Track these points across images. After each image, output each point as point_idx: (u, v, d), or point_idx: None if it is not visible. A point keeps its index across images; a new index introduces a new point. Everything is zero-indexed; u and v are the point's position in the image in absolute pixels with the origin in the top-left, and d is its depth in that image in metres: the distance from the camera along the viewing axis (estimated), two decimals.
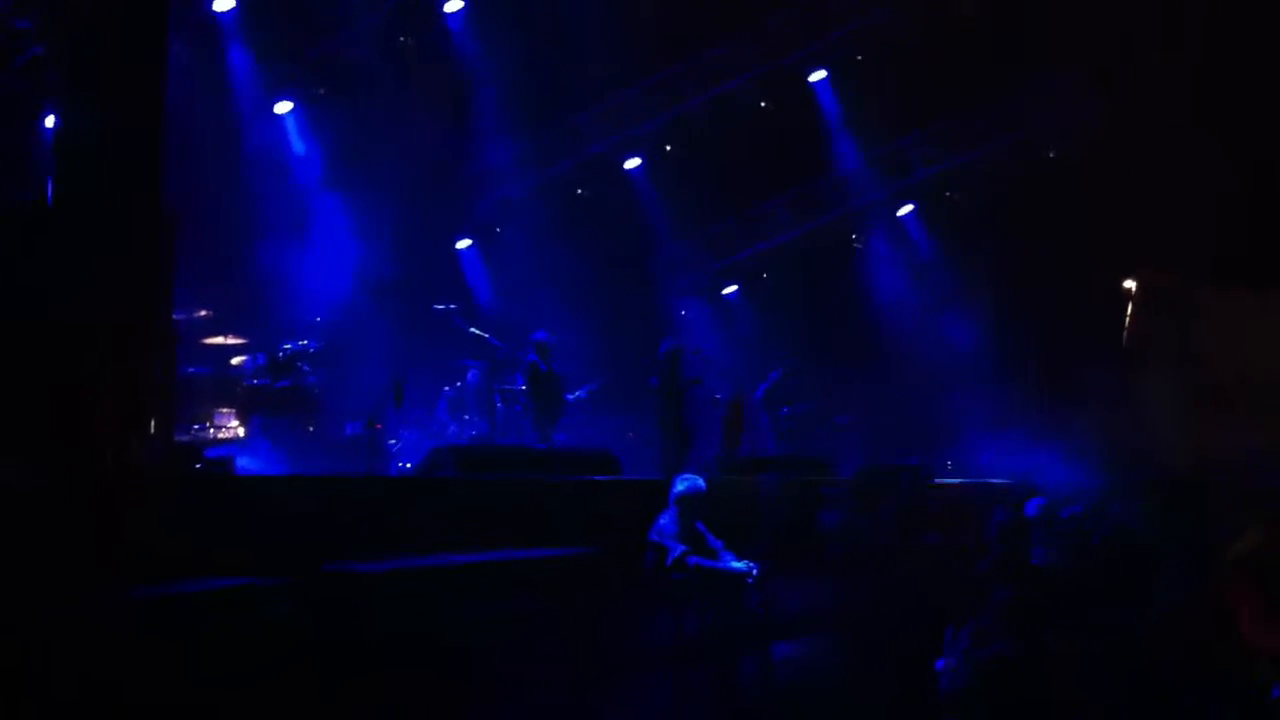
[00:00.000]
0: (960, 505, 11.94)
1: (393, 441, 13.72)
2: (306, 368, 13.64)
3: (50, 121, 11.08)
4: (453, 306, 14.52)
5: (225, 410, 13.49)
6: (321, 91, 15.72)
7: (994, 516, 8.60)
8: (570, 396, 14.39)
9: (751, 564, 8.63)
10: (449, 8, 15.83)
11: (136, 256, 7.87)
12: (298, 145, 15.75)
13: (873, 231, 20.13)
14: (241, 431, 13.35)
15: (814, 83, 17.99)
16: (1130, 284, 19.90)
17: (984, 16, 15.77)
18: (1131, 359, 18.31)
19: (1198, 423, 14.67)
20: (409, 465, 13.11)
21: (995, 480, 14.56)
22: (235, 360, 14.08)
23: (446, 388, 14.71)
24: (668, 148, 18.47)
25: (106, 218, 7.77)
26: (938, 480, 13.90)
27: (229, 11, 14.54)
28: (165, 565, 6.57)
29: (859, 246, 20.38)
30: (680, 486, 8.91)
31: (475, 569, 7.79)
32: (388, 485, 10.39)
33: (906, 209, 19.94)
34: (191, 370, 13.19)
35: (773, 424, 16.67)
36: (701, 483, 8.97)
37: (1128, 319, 19.67)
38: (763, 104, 17.94)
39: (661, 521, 8.78)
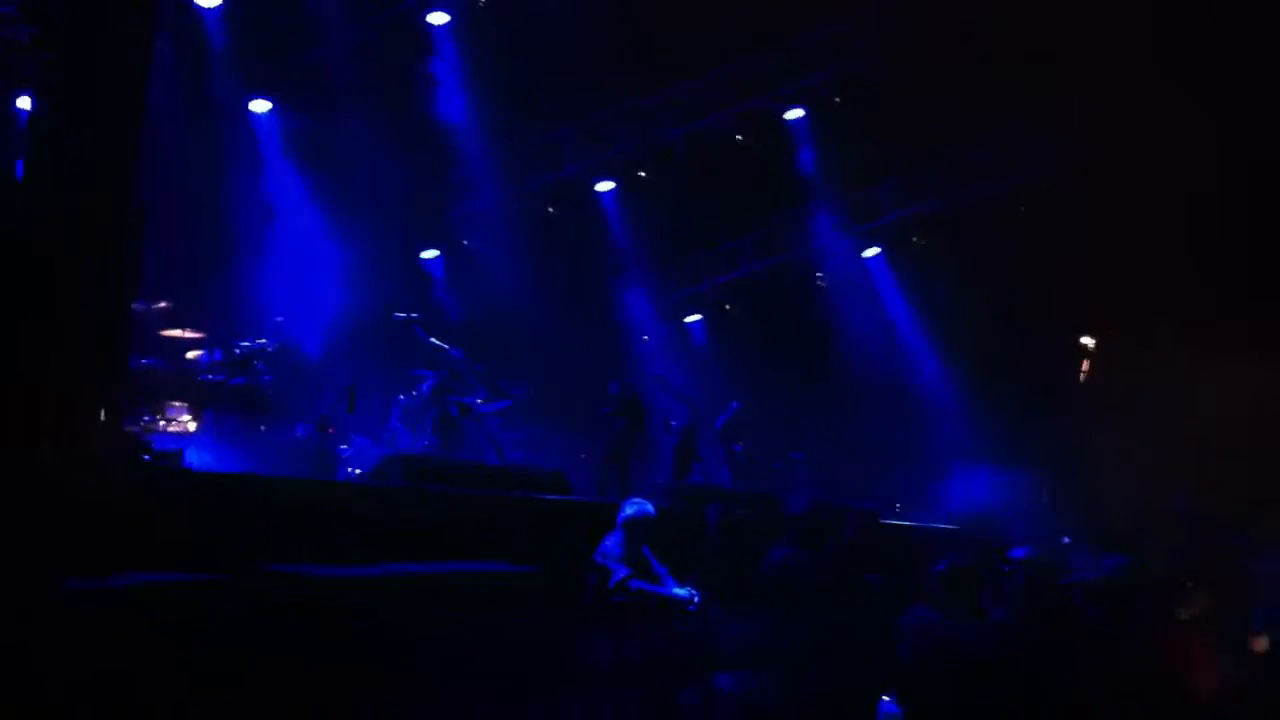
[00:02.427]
0: (906, 549, 12.02)
1: (344, 447, 13.65)
2: (262, 366, 13.55)
3: (25, 102, 11.00)
4: (414, 315, 14.45)
5: (178, 404, 13.37)
6: (299, 96, 15.71)
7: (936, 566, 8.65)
8: (485, 406, 14.42)
9: (694, 591, 8.67)
10: (433, 19, 15.84)
11: (102, 246, 7.82)
12: (271, 146, 15.71)
13: (838, 270, 20.24)
14: (193, 426, 13.23)
15: (790, 121, 18.11)
16: (1088, 340, 20.18)
17: (959, 70, 15.95)
18: (1086, 412, 18.52)
19: (1146, 479, 14.85)
20: (358, 471, 13.05)
21: (945, 526, 14.69)
22: (191, 354, 13.96)
23: (401, 396, 14.64)
24: (641, 174, 18.55)
25: (75, 205, 7.71)
26: (886, 521, 13.96)
27: (213, 9, 14.50)
28: (108, 556, 6.52)
29: (823, 284, 20.50)
30: (629, 510, 8.94)
31: (417, 579, 7.78)
32: (335, 490, 10.33)
33: (873, 251, 20.09)
34: (146, 361, 13.08)
35: (728, 456, 16.72)
36: (650, 508, 9.01)
37: (1083, 374, 19.93)
38: (738, 138, 18.05)
39: (607, 544, 8.81)
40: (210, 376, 13.38)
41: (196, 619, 6.18)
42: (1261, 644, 7.86)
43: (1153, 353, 17.06)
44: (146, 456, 9.31)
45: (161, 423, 13.15)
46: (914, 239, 19.70)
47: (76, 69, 7.83)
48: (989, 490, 15.75)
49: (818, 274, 20.47)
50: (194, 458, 10.92)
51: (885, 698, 7.20)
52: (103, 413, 8.42)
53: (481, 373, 14.41)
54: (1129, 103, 15.65)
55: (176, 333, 13.98)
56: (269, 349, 13.67)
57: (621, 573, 8.54)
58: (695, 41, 16.49)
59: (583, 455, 15.75)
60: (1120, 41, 14.83)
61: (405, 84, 16.00)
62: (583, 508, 10.67)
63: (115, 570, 6.32)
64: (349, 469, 13.32)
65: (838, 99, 17.65)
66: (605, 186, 18.66)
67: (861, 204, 19.46)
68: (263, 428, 13.48)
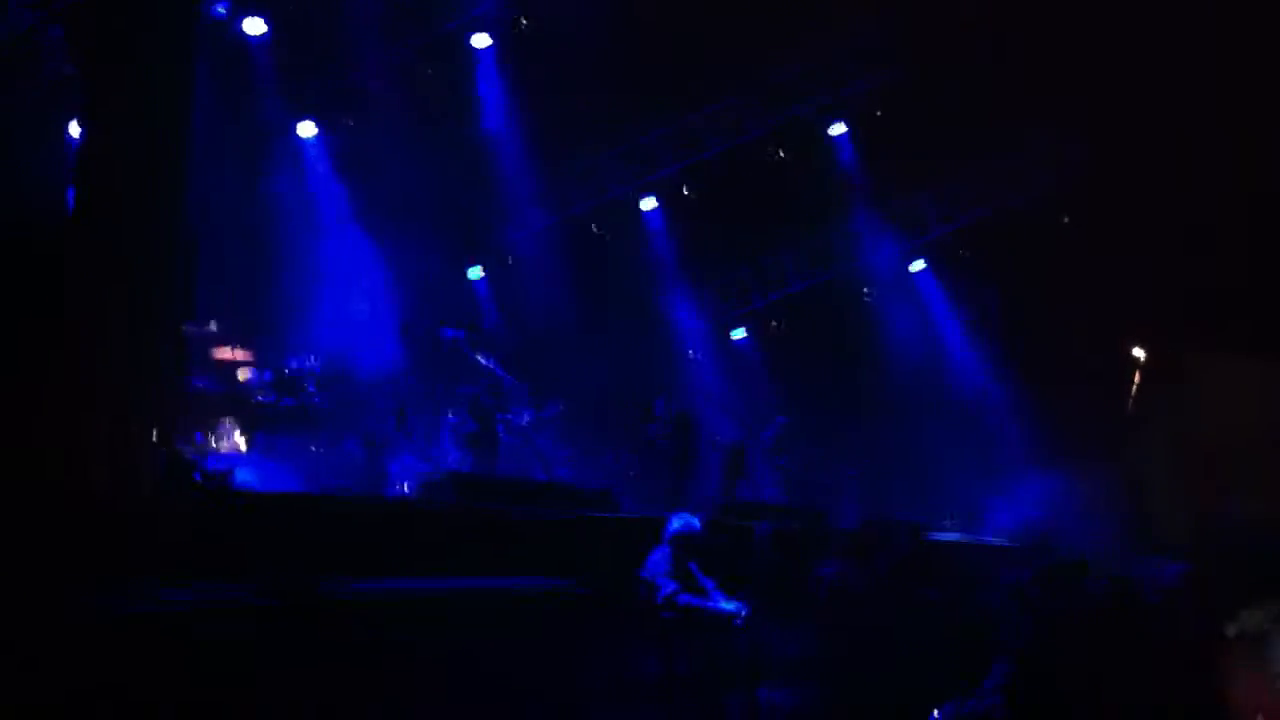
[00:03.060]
0: (959, 563, 11.92)
1: (394, 464, 13.71)
2: (312, 387, 13.64)
3: (75, 131, 11.18)
4: (460, 335, 14.50)
5: (230, 423, 13.51)
6: (348, 122, 15.90)
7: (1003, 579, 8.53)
8: (522, 420, 14.42)
9: (741, 605, 8.62)
10: (476, 42, 15.96)
11: (152, 271, 7.93)
12: (318, 168, 15.87)
13: (885, 285, 20.12)
14: (244, 446, 13.35)
15: (833, 136, 18.06)
16: (1139, 351, 19.93)
17: (997, 82, 15.88)
18: (1136, 424, 18.30)
19: (1196, 492, 14.64)
20: (407, 488, 13.10)
21: (997, 541, 14.54)
22: (242, 375, 14.08)
23: (451, 414, 14.69)
24: (685, 191, 18.56)
25: (125, 231, 7.82)
26: (937, 537, 13.85)
27: (259, 36, 14.67)
28: (156, 574, 6.57)
29: (870, 299, 20.38)
30: (676, 525, 8.94)
31: (464, 595, 7.79)
32: (382, 507, 10.37)
33: (919, 265, 19.97)
34: (198, 382, 13.22)
35: (776, 471, 16.65)
36: (696, 522, 9.00)
37: (1134, 385, 19.68)
38: (781, 154, 18.02)
39: (654, 559, 8.80)
40: (261, 397, 13.49)
41: (241, 635, 6.21)
42: None
43: (1196, 359, 16.86)
44: (197, 476, 9.40)
45: (214, 442, 13.28)
46: (960, 252, 19.55)
47: (120, 96, 7.95)
48: (1041, 502, 15.56)
49: (864, 289, 20.35)
50: (245, 477, 11.02)
51: (935, 712, 7.13)
52: (154, 433, 8.54)
53: (527, 392, 14.43)
54: (1158, 109, 15.51)
55: (227, 353, 14.11)
56: (318, 369, 13.78)
57: (669, 588, 8.53)
58: (736, 57, 16.51)
59: (632, 473, 15.72)
60: (1145, 47, 14.72)
61: (449, 106, 16.11)
62: (630, 524, 10.65)
63: (161, 588, 6.37)
64: (398, 486, 13.39)
65: (878, 112, 17.57)
66: (649, 204, 18.68)
67: (905, 216, 19.35)
68: (313, 447, 13.57)
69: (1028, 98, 16.15)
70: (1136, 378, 19.61)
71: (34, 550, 6.18)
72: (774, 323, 20.67)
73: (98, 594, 6.15)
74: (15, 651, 5.44)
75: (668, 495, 13.63)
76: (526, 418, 14.51)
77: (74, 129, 11.72)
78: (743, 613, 8.55)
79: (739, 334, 20.65)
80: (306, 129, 15.89)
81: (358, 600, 7.31)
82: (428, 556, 8.48)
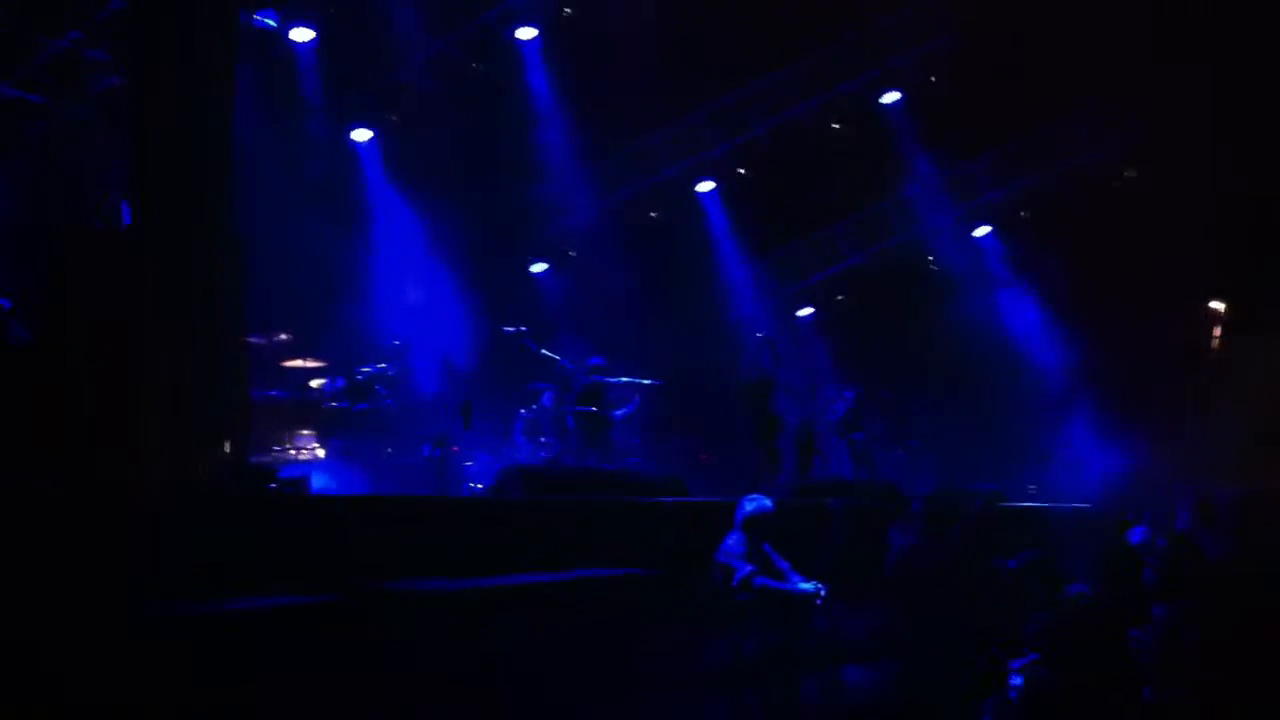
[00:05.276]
0: (1038, 530, 11.78)
1: (469, 463, 13.84)
2: (383, 390, 13.82)
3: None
4: (523, 329, 14.52)
5: (305, 432, 13.73)
6: (395, 119, 16.00)
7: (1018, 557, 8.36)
8: (617, 415, 14.38)
9: (819, 585, 8.58)
10: (521, 35, 15.99)
11: (208, 279, 8.06)
12: (373, 171, 16.03)
13: (948, 252, 19.90)
14: (321, 453, 13.57)
15: (886, 104, 17.88)
16: (1218, 305, 19.53)
17: (1053, 43, 15.61)
18: (1215, 381, 17.92)
19: (1264, 455, 14.23)
20: (480, 486, 13.20)
21: (1077, 505, 14.33)
22: (314, 383, 14.31)
23: (523, 410, 14.75)
24: (740, 170, 18.47)
25: (179, 240, 7.97)
26: (1015, 504, 13.68)
27: (306, 43, 14.80)
28: (232, 581, 6.68)
29: (934, 268, 20.18)
30: (748, 507, 8.90)
31: (537, 589, 7.83)
32: (454, 506, 10.44)
33: (983, 230, 19.72)
34: (271, 393, 13.45)
35: (847, 448, 16.53)
36: (769, 503, 8.95)
37: (1215, 340, 19.30)
38: (834, 125, 17.88)
39: (728, 542, 8.77)
40: (334, 404, 13.70)
41: (319, 640, 6.29)
42: None
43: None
44: (272, 485, 9.55)
45: (290, 451, 13.51)
46: (1022, 214, 19.30)
47: (161, 107, 8.09)
48: (1115, 467, 15.32)
49: (929, 258, 20.16)
50: (322, 483, 11.17)
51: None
52: (227, 444, 8.70)
53: (596, 384, 14.38)
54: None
55: (298, 363, 14.36)
56: (389, 372, 13.95)
57: (745, 570, 8.48)
58: (783, 31, 16.39)
59: (702, 457, 15.71)
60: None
61: (496, 99, 16.16)
62: (702, 509, 10.61)
63: (237, 595, 6.46)
64: (471, 485, 13.50)
65: (932, 78, 17.38)
66: (705, 186, 18.62)
67: (966, 183, 19.12)
68: (389, 450, 13.74)
69: (1084, 63, 15.86)
70: (1216, 332, 19.24)
71: (92, 553, 6.27)
72: (839, 297, 20.56)
73: (153, 598, 6.21)
74: (66, 652, 5.51)
75: (748, 477, 13.51)
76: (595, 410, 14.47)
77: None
78: (822, 592, 8.51)
79: (805, 312, 20.55)
80: (362, 135, 16.05)
81: (432, 598, 7.36)
82: (500, 552, 8.51)
